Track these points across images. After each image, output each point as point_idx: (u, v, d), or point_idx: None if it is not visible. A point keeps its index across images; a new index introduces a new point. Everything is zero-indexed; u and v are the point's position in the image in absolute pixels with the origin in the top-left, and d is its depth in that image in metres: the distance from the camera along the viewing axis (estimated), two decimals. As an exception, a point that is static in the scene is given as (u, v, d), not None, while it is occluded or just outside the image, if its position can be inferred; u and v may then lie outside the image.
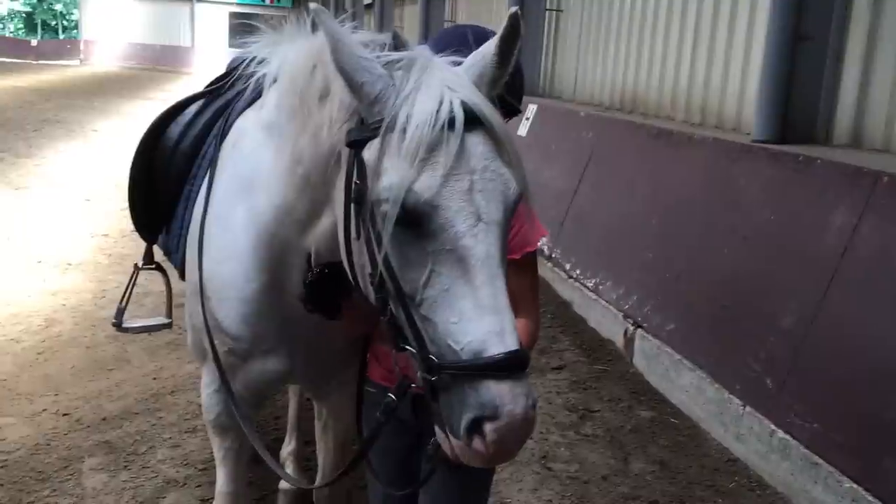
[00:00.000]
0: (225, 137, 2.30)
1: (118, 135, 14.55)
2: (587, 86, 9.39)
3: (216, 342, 2.27)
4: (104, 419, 4.13)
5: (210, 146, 2.42)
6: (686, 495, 3.74)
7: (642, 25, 7.97)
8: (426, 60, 1.61)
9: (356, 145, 1.61)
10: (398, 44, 1.72)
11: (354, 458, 2.04)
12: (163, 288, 3.34)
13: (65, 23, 68.03)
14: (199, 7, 44.46)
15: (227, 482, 2.61)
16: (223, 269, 2.15)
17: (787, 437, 3.70)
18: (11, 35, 62.14)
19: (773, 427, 3.81)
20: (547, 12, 10.44)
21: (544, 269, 6.98)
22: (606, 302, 5.72)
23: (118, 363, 4.84)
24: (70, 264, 6.84)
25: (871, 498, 3.20)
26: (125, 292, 3.19)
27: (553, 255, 6.91)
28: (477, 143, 1.55)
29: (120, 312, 3.18)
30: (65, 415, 4.15)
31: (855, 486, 3.29)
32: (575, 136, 7.39)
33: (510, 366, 1.45)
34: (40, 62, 41.41)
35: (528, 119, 8.63)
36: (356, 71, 1.57)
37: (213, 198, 2.23)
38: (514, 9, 1.61)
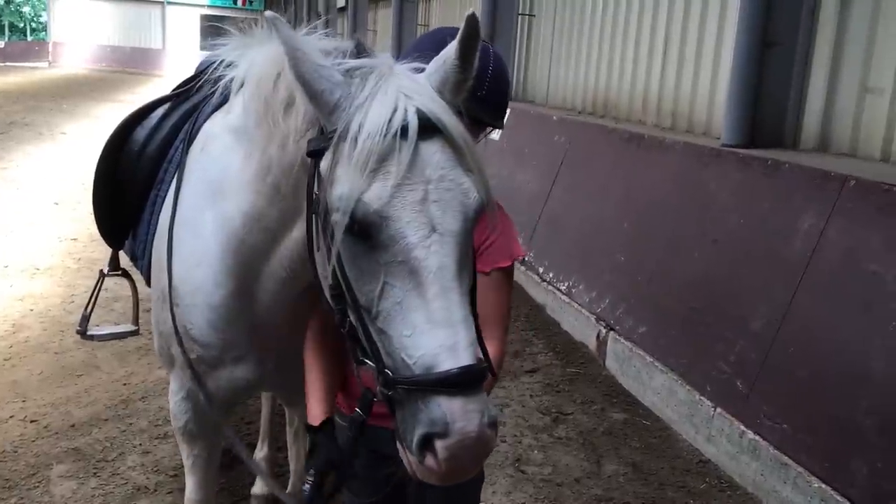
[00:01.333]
0: (192, 141, 2.27)
1: (87, 137, 14.36)
2: (560, 90, 9.44)
3: (181, 348, 2.23)
4: (73, 426, 4.07)
5: (177, 150, 2.39)
6: (658, 497, 3.77)
7: (614, 30, 8.03)
8: (385, 68, 1.58)
9: (315, 155, 1.59)
10: (361, 51, 1.69)
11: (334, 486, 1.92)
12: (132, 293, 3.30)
13: (33, 25, 67.10)
14: (170, 9, 44.05)
15: (195, 489, 2.58)
16: (192, 274, 2.12)
17: (757, 438, 3.75)
18: (-22, 37, 61.12)
19: (743, 428, 3.85)
20: (519, 17, 10.48)
21: (517, 273, 7.01)
22: (579, 305, 5.75)
23: (87, 369, 4.77)
24: (38, 269, 6.74)
25: (839, 497, 3.25)
26: (90, 299, 3.14)
27: (526, 259, 6.93)
28: (434, 152, 1.50)
29: (84, 319, 3.13)
30: (32, 422, 4.08)
31: (823, 485, 3.33)
32: (547, 139, 7.43)
33: (463, 381, 1.40)
34: (7, 64, 40.74)
35: (501, 123, 8.65)
36: (315, 80, 1.54)
37: (181, 202, 2.20)
38: (470, 10, 1.58)
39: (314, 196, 1.60)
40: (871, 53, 4.68)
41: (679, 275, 4.83)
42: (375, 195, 1.46)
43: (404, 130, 1.47)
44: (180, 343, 2.18)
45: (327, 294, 1.65)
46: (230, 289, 2.07)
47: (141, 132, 2.62)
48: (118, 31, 43.75)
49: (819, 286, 3.77)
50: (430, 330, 1.43)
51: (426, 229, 1.46)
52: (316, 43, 1.70)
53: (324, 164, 1.56)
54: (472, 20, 1.54)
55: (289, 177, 1.75)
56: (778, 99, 5.23)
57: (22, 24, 67.28)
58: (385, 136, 1.46)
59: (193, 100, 2.54)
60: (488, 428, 1.43)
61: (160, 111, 2.67)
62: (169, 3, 43.95)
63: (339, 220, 1.48)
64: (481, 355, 1.49)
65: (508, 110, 2.16)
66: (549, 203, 6.93)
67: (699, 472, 3.99)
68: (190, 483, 2.59)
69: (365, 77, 1.56)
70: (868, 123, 4.73)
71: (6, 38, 57.45)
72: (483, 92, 1.91)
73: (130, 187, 2.60)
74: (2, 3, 65.03)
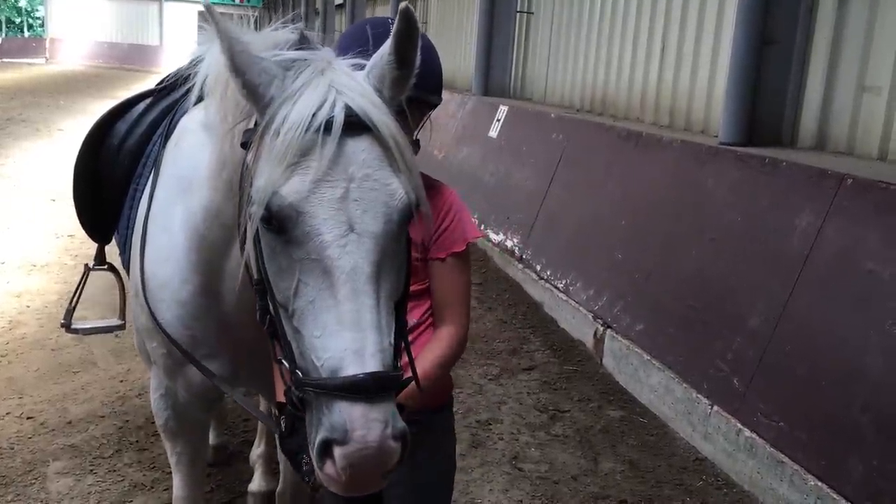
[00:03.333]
0: (170, 136, 2.26)
1: (84, 134, 14.32)
2: (558, 88, 9.44)
3: (154, 344, 2.23)
4: (69, 422, 4.07)
5: (155, 145, 2.38)
6: (655, 494, 3.77)
7: (612, 28, 8.03)
8: (323, 62, 1.55)
9: (246, 147, 1.57)
10: (303, 44, 1.66)
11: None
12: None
13: (30, 20, 66.94)
14: (167, 5, 44.00)
15: (181, 486, 2.58)
16: (160, 269, 2.11)
17: (754, 436, 3.75)
18: (-25, 32, 60.97)
19: (739, 426, 3.85)
20: (518, 14, 10.48)
21: (515, 270, 7.01)
22: (576, 303, 5.76)
23: (84, 365, 4.77)
24: (35, 266, 6.73)
25: (835, 495, 3.25)
26: (75, 293, 3.14)
27: (524, 257, 6.93)
28: (360, 150, 1.46)
29: (69, 313, 3.12)
30: (29, 418, 4.08)
31: (819, 483, 3.34)
32: (545, 137, 7.43)
33: (366, 388, 1.34)
34: (4, 60, 40.64)
35: (498, 121, 8.66)
36: (252, 73, 1.51)
37: (154, 198, 2.19)
38: (403, 4, 1.52)
39: (242, 188, 1.57)
40: (869, 52, 4.69)
41: (676, 273, 4.83)
42: (293, 189, 1.42)
43: (328, 125, 1.43)
44: (164, 331, 2.14)
45: (253, 289, 1.61)
46: (195, 285, 2.05)
47: (121, 126, 2.62)
48: (116, 27, 43.71)
49: (816, 284, 3.77)
50: (337, 332, 1.38)
51: (342, 228, 1.42)
52: (262, 36, 1.68)
53: (249, 156, 1.54)
54: (406, 12, 1.49)
55: (239, 172, 1.70)
56: (776, 97, 5.23)
57: (19, 20, 67.11)
58: (308, 129, 1.43)
59: (175, 95, 2.53)
60: (392, 440, 1.37)
61: (141, 106, 2.67)
62: (166, -1, 43.93)
63: (254, 211, 1.45)
64: (391, 362, 1.42)
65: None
66: (546, 201, 6.93)
67: (696, 469, 4.00)
68: (176, 480, 2.59)
69: (299, 70, 1.52)
70: (865, 122, 4.73)
71: (3, 34, 57.29)
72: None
73: (110, 182, 2.60)
74: (-2, -2, 64.95)
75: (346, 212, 1.42)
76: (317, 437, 1.38)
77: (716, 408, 4.06)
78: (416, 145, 1.93)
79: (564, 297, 5.96)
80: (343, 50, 1.78)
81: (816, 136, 5.10)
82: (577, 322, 5.71)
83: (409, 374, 1.64)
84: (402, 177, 1.50)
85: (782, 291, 3.91)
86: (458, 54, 13.32)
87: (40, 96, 22.54)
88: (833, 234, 3.77)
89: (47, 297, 5.93)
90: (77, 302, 3.14)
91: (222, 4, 43.01)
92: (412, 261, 1.81)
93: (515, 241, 7.23)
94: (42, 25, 53.37)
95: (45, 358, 4.84)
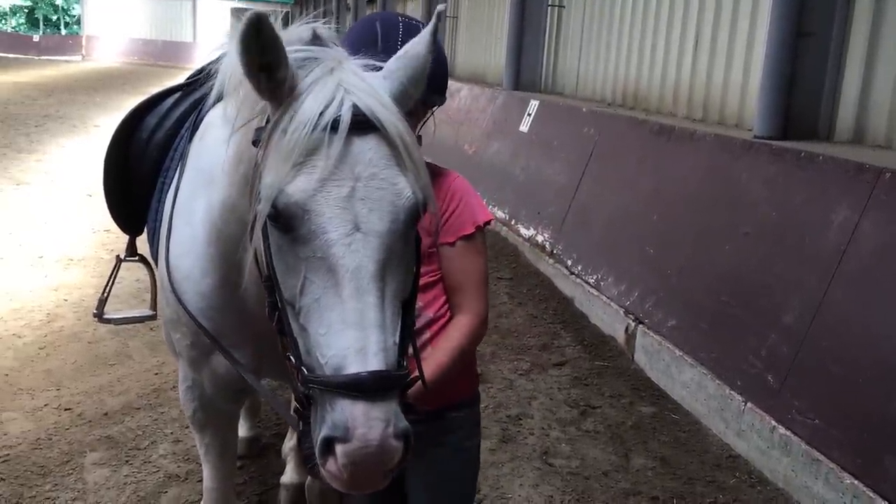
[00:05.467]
0: (196, 130, 2.28)
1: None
2: (589, 82, 9.38)
3: (178, 336, 2.25)
4: (105, 414, 4.13)
5: (182, 139, 2.40)
6: (687, 491, 3.74)
7: (644, 21, 7.95)
8: (333, 61, 1.55)
9: (257, 144, 1.58)
10: (316, 42, 1.66)
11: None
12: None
13: (66, 18, 68.00)
14: (200, 2, 44.44)
15: (211, 477, 2.62)
16: (182, 262, 2.13)
17: (789, 433, 3.70)
18: (13, 31, 62.10)
19: (774, 423, 3.81)
20: (549, 8, 10.42)
21: (546, 265, 6.99)
22: (608, 298, 5.72)
23: (119, 358, 4.84)
24: (72, 260, 6.85)
25: (871, 494, 3.20)
26: (107, 283, 3.19)
27: (554, 252, 6.90)
28: (367, 149, 1.46)
29: (101, 303, 3.16)
30: (66, 410, 4.15)
31: (856, 482, 3.29)
32: (577, 132, 7.39)
33: (369, 387, 1.35)
34: (42, 58, 41.39)
35: (529, 115, 8.63)
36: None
37: (179, 191, 2.21)
38: (441, 6, 1.58)
39: (253, 185, 1.58)
40: (909, 43, 4.60)
41: (709, 268, 4.78)
42: (299, 187, 1.43)
43: (335, 124, 1.44)
44: (195, 320, 2.16)
45: (263, 285, 1.62)
46: (215, 278, 2.07)
47: (151, 120, 2.65)
48: (150, 24, 44.27)
49: (853, 280, 3.71)
50: (341, 330, 1.39)
51: (348, 227, 1.42)
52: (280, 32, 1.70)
53: (260, 152, 1.54)
54: (441, 16, 1.56)
55: (253, 167, 1.72)
56: (812, 90, 5.15)
57: (56, 18, 68.20)
58: (315, 128, 1.43)
59: (203, 90, 2.53)
60: (395, 439, 1.37)
61: (170, 101, 2.69)
62: (200, -4, 44.37)
63: (261, 209, 1.46)
64: (395, 361, 1.42)
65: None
66: (577, 195, 6.89)
67: (729, 467, 3.96)
68: (206, 470, 2.62)
69: (309, 68, 1.53)
70: (905, 114, 4.65)
71: (41, 32, 58.30)
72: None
73: (139, 174, 2.63)
74: (36, -4, 66.04)
75: (352, 210, 1.43)
76: (320, 435, 1.38)
77: (749, 404, 4.01)
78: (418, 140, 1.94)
79: (596, 293, 5.93)
80: (351, 45, 1.79)
81: (854, 129, 5.02)
82: (608, 317, 5.68)
83: (416, 373, 1.64)
84: (410, 176, 1.50)
85: (818, 287, 3.86)
86: (488, 49, 13.29)
87: (77, 93, 22.90)
88: (870, 230, 3.70)
89: (84, 290, 6.03)
90: (109, 293, 3.18)
91: (253, 1, 43.38)
92: (424, 248, 1.81)
93: (546, 236, 7.21)
94: (78, 23, 54.17)
95: (82, 351, 4.92)
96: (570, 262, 6.56)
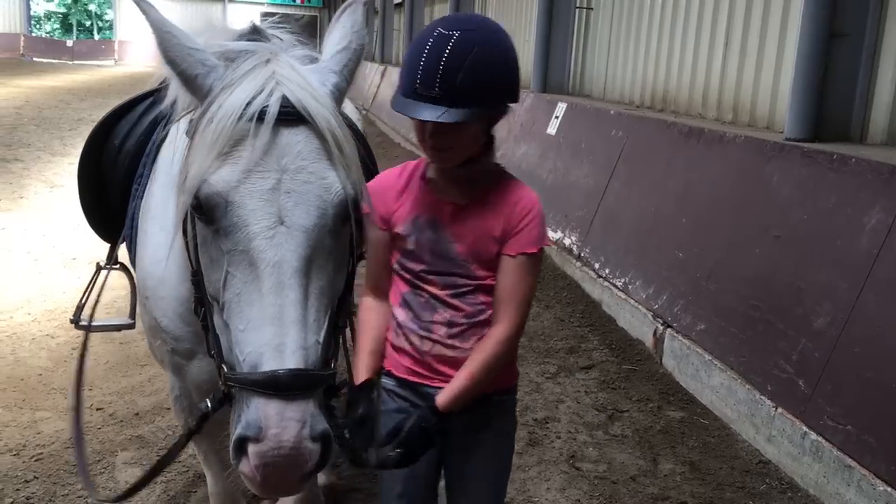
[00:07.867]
0: (167, 135, 2.26)
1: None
2: (617, 84, 9.33)
3: (158, 342, 2.22)
4: (137, 414, 4.18)
5: (154, 144, 2.39)
6: (716, 497, 3.70)
7: (673, 22, 7.90)
8: (268, 53, 1.52)
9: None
10: (255, 35, 1.67)
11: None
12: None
13: (99, 23, 69.00)
14: (230, 7, 44.81)
15: (213, 482, 2.61)
16: (158, 268, 2.10)
17: (820, 439, 3.65)
18: (48, 35, 63.13)
19: (805, 429, 3.76)
20: (577, 10, 10.39)
21: (573, 269, 6.96)
22: (636, 302, 5.69)
23: (151, 359, 4.86)
24: (103, 262, 6.92)
25: (905, 502, 3.15)
26: (85, 291, 3.19)
27: (582, 255, 6.87)
28: (296, 142, 1.42)
29: (78, 310, 3.15)
30: (98, 409, 4.21)
31: (889, 489, 3.23)
32: (605, 134, 7.35)
33: (284, 385, 1.29)
34: (76, 63, 41.99)
35: (557, 118, 8.60)
36: (187, 64, 1.50)
37: (151, 196, 2.19)
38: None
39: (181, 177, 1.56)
40: (944, 43, 4.52)
41: (739, 271, 4.73)
42: (222, 178, 1.39)
43: (262, 115, 1.41)
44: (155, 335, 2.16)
45: (191, 280, 1.59)
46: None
47: (123, 126, 2.63)
48: (181, 28, 44.69)
49: (886, 285, 3.65)
50: (260, 326, 1.34)
51: (271, 220, 1.38)
52: (214, 27, 1.75)
53: (188, 142, 1.53)
54: (366, 6, 1.59)
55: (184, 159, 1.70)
56: (844, 91, 5.08)
57: (89, 23, 69.22)
58: (241, 118, 1.40)
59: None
60: (311, 441, 1.32)
61: (142, 106, 2.67)
62: (230, 0, 44.74)
63: (184, 200, 1.43)
64: (316, 360, 1.38)
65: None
66: (605, 198, 6.86)
67: (759, 472, 3.91)
68: (208, 476, 2.63)
69: (241, 61, 1.51)
70: (940, 116, 4.57)
71: (74, 37, 59.17)
72: (462, 75, 1.79)
73: (112, 181, 2.61)
74: (70, 1, 67.05)
75: (276, 203, 1.39)
76: (234, 434, 1.34)
77: (780, 410, 3.96)
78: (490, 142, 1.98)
79: (623, 296, 5.89)
80: (409, 52, 1.77)
81: (887, 131, 4.94)
82: (636, 321, 5.64)
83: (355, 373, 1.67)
84: (340, 171, 1.46)
85: (850, 292, 3.80)
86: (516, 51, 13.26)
87: (109, 97, 23.18)
88: (905, 233, 3.64)
89: (116, 292, 6.06)
90: (87, 300, 3.17)
91: (283, 5, 43.72)
92: (490, 255, 1.82)
93: (573, 238, 7.18)
94: (111, 28, 54.91)
95: (114, 351, 4.98)
96: (597, 266, 6.52)
